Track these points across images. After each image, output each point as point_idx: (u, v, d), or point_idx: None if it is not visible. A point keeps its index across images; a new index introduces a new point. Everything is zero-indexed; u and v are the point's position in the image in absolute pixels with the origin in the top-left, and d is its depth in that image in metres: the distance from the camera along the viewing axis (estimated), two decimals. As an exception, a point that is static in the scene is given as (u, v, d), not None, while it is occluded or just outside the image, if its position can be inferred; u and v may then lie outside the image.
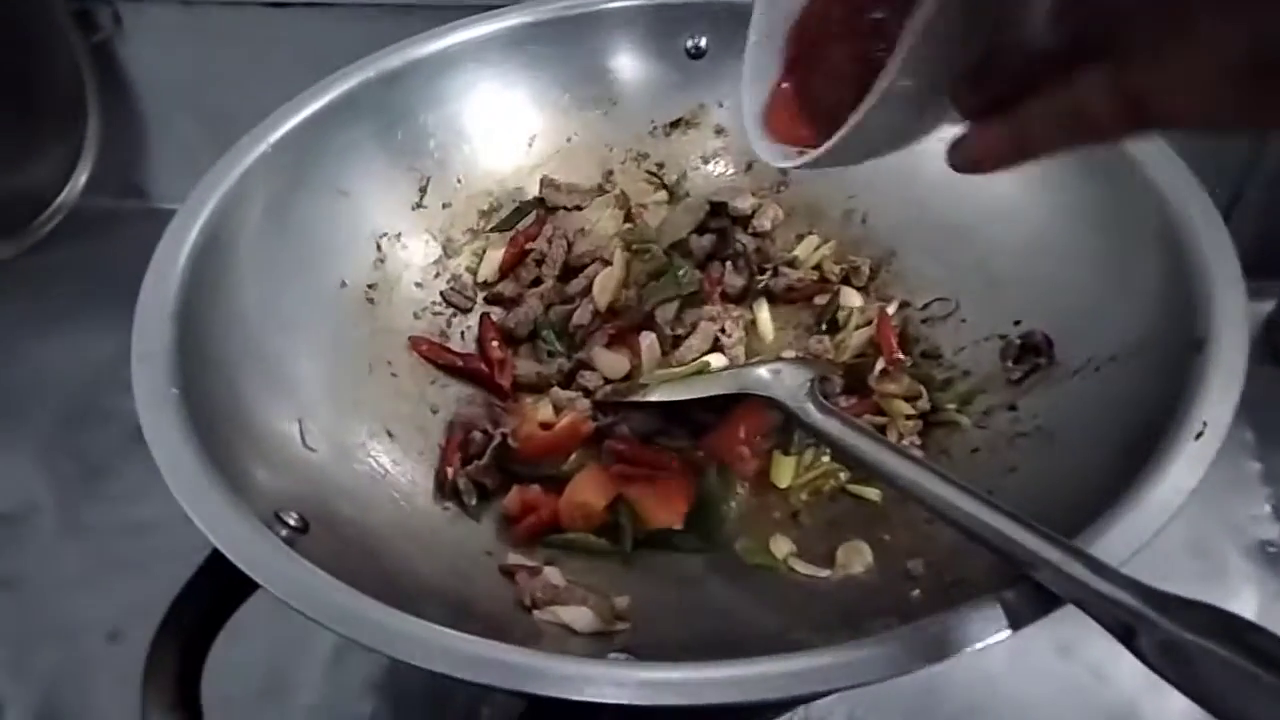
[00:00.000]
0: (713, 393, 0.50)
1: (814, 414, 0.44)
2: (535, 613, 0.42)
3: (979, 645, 0.31)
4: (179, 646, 0.32)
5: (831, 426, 0.43)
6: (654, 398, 0.52)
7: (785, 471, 0.50)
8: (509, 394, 0.56)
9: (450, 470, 0.49)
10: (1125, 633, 0.30)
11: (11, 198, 0.92)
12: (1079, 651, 0.60)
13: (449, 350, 0.57)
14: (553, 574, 0.43)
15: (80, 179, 0.93)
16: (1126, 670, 0.59)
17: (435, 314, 0.59)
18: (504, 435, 0.50)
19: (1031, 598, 0.32)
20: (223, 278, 0.47)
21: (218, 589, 0.34)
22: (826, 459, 0.51)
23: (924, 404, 0.52)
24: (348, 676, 0.61)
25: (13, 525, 0.69)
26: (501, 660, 0.31)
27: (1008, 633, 0.32)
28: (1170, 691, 0.59)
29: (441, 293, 0.60)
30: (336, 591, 0.33)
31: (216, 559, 0.34)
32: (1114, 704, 0.58)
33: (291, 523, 0.38)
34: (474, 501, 0.49)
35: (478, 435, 0.51)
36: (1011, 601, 0.32)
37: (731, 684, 0.29)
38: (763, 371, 0.49)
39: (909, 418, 0.51)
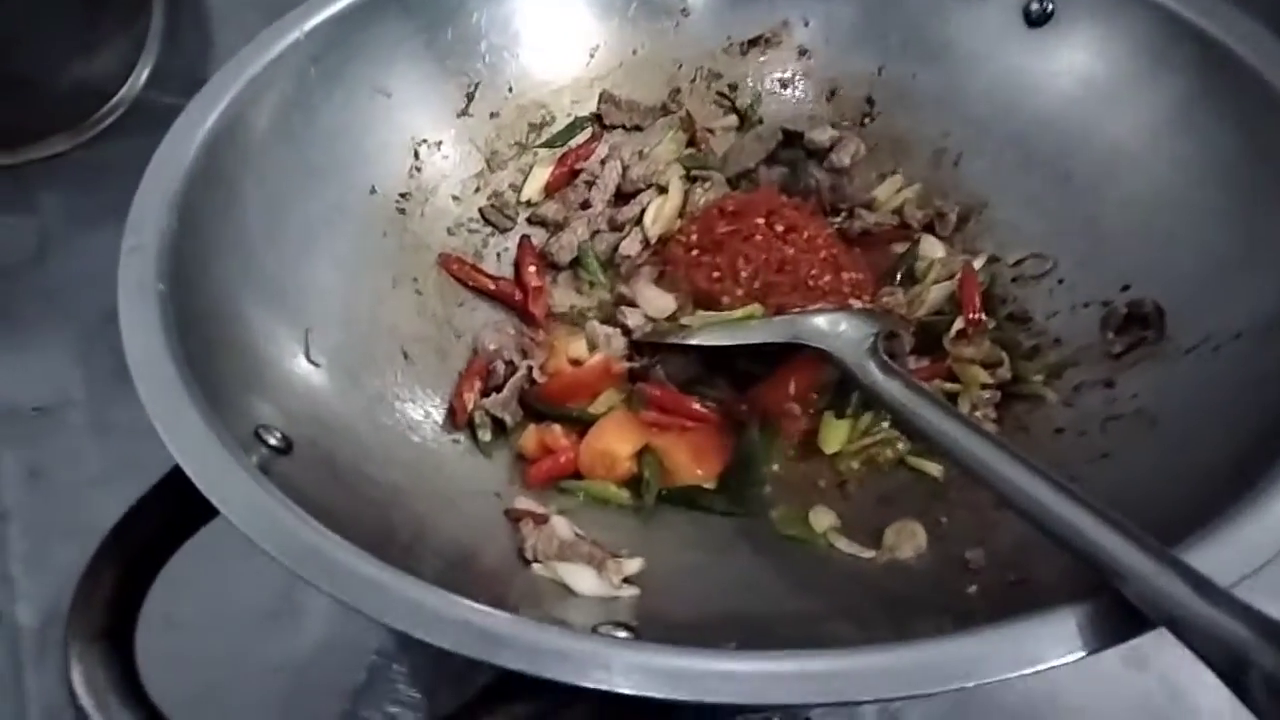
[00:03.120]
0: (763, 340, 0.45)
1: (874, 373, 0.39)
2: (534, 566, 0.38)
3: (1043, 666, 0.25)
4: (119, 570, 0.28)
5: (893, 389, 0.38)
6: (697, 340, 0.46)
7: (836, 436, 0.45)
8: (540, 323, 0.51)
9: (467, 398, 0.45)
10: (1230, 667, 0.25)
11: (73, 90, 0.90)
12: (1154, 663, 0.54)
13: (481, 272, 0.53)
14: (560, 525, 0.39)
15: (142, 74, 0.90)
16: (1207, 691, 0.53)
17: (471, 231, 0.54)
18: (530, 368, 0.45)
19: (1113, 614, 0.27)
20: (236, 171, 0.44)
21: (172, 510, 0.31)
22: (885, 426, 0.45)
23: (1004, 373, 0.45)
24: (358, 609, 0.58)
25: (46, 417, 0.69)
26: (467, 621, 0.27)
27: (1080, 655, 0.26)
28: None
29: (480, 209, 0.55)
30: (302, 527, 0.29)
31: (176, 475, 0.30)
32: (1188, 723, 0.52)
33: (272, 441, 0.34)
34: (488, 437, 0.45)
35: (501, 365, 0.47)
36: (1088, 617, 0.27)
37: (742, 679, 0.24)
38: (821, 321, 0.43)
39: (985, 387, 0.45)
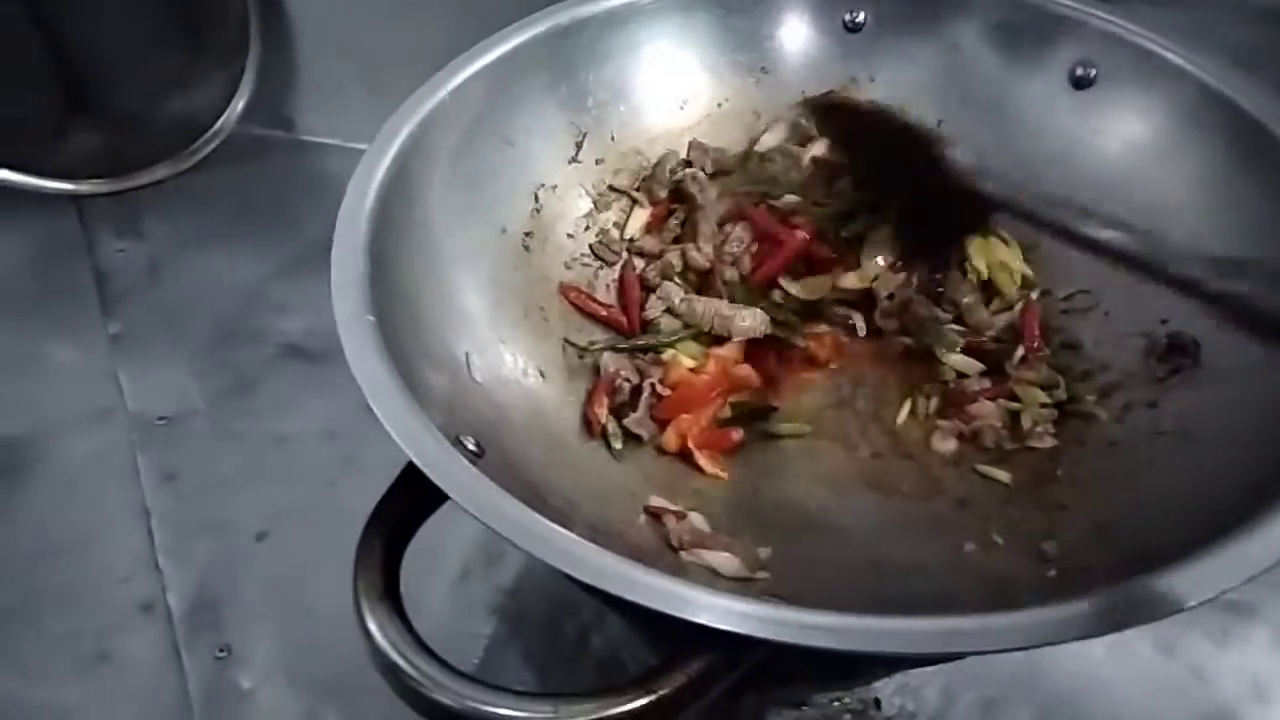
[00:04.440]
0: None
1: None
2: (682, 554, 0.44)
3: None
4: (382, 545, 0.35)
5: None
6: None
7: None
8: (638, 329, 0.59)
9: (599, 412, 0.52)
10: None
11: (174, 121, 0.98)
12: (1181, 650, 0.61)
13: (594, 300, 0.60)
14: (697, 519, 0.46)
15: (237, 107, 0.98)
16: (1230, 673, 0.59)
17: (584, 265, 0.61)
18: (653, 385, 0.52)
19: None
20: (407, 216, 0.50)
21: (412, 499, 0.37)
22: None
23: (1060, 394, 0.52)
24: (471, 598, 0.65)
25: (172, 427, 0.76)
26: (662, 586, 0.34)
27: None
28: (1275, 699, 0.60)
29: (590, 245, 0.62)
30: (521, 511, 0.36)
31: (410, 473, 0.37)
32: (1213, 707, 0.58)
33: (470, 446, 0.41)
34: (620, 446, 0.52)
35: (624, 384, 0.54)
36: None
37: (894, 634, 0.31)
38: None
39: (1044, 406, 0.52)
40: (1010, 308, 0.57)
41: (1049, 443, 0.51)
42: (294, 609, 0.65)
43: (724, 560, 0.43)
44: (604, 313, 0.60)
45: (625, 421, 0.53)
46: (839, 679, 0.57)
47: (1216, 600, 0.62)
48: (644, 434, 0.53)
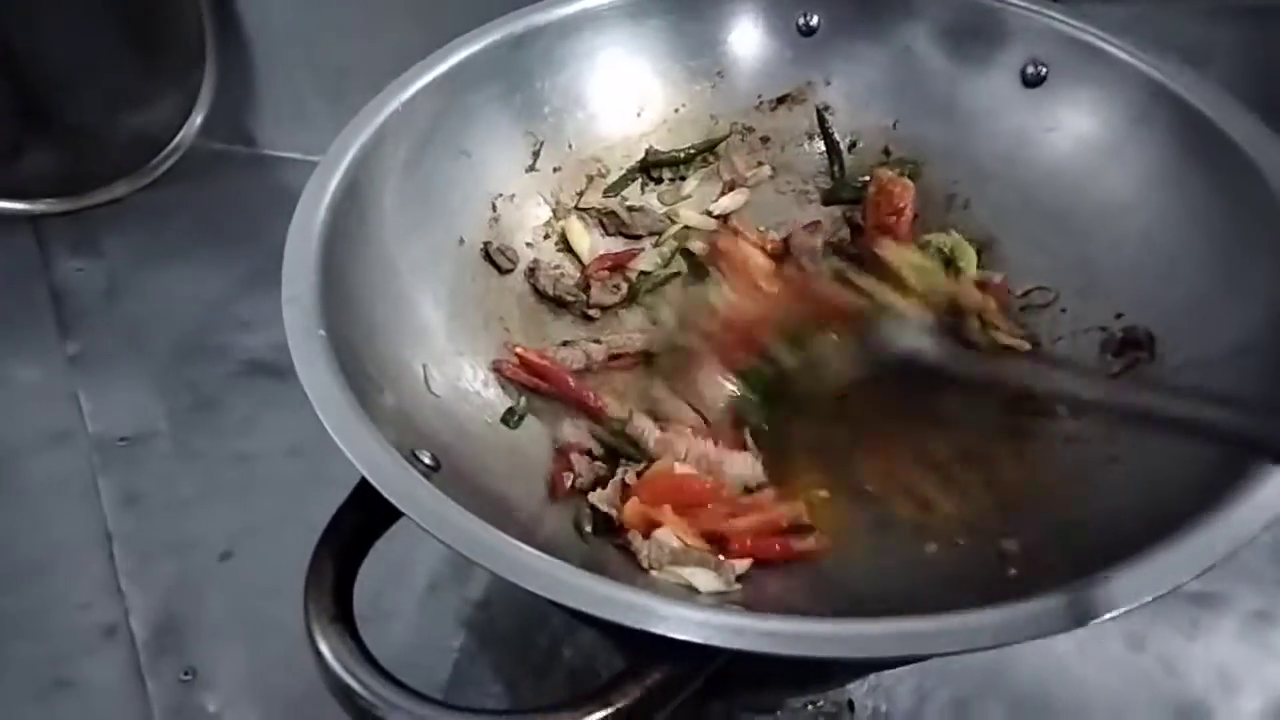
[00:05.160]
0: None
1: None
2: (654, 573, 0.43)
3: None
4: (334, 565, 0.35)
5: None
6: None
7: None
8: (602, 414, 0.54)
9: (565, 480, 0.49)
10: None
11: (131, 138, 0.97)
12: (1151, 643, 0.61)
13: (548, 367, 0.54)
14: (666, 535, 0.44)
15: (195, 122, 0.97)
16: (1198, 666, 0.60)
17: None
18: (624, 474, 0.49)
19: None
20: (359, 229, 0.50)
21: (365, 516, 0.37)
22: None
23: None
24: (440, 611, 0.65)
25: (133, 446, 0.75)
26: (622, 598, 0.34)
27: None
28: (1241, 690, 0.61)
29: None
30: (476, 526, 0.35)
31: (364, 489, 0.37)
32: (1183, 699, 0.59)
33: (426, 461, 0.41)
34: (589, 528, 0.48)
35: (584, 458, 0.50)
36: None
37: (850, 639, 0.31)
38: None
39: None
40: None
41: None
42: (260, 628, 0.64)
43: (699, 575, 0.42)
44: (568, 389, 0.53)
45: (593, 498, 0.48)
46: (812, 683, 0.57)
47: (1184, 593, 0.63)
48: (614, 513, 0.47)
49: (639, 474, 0.49)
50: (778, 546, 0.46)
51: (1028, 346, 0.54)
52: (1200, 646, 0.61)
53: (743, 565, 0.44)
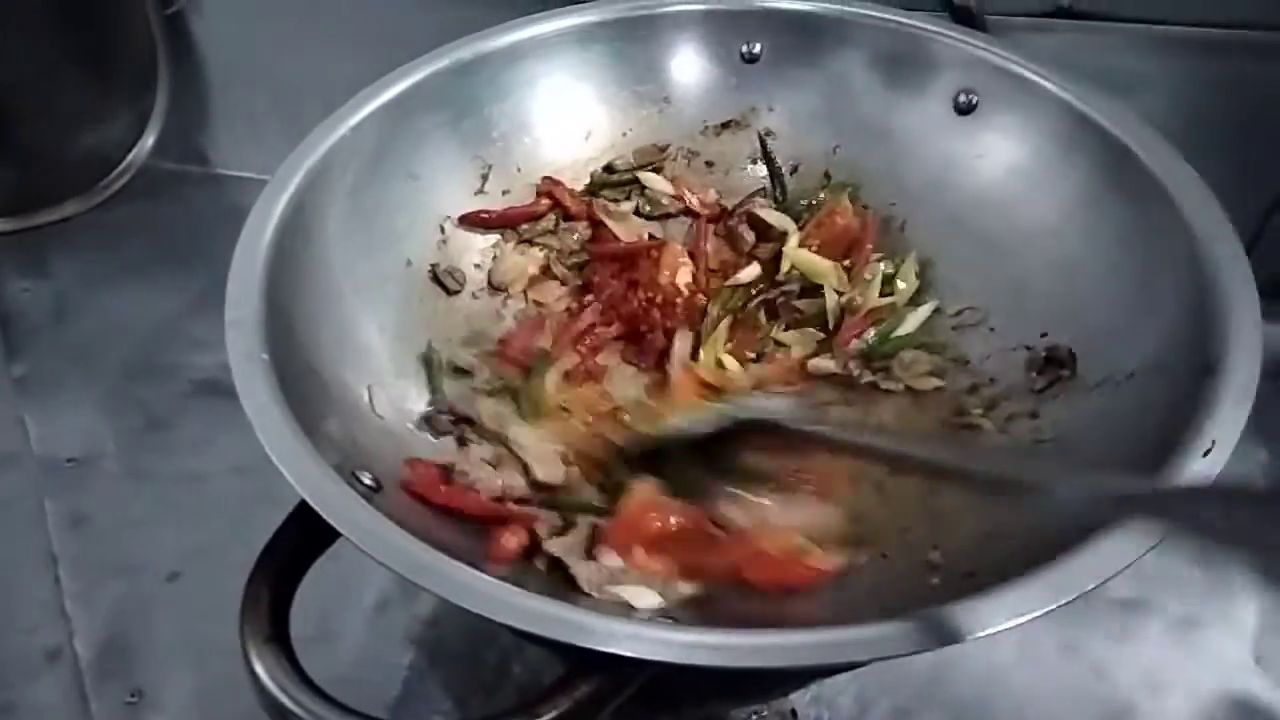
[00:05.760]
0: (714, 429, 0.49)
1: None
2: (594, 595, 0.44)
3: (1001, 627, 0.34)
4: (270, 586, 0.35)
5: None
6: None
7: None
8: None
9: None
10: None
11: (83, 156, 0.96)
12: (1082, 650, 0.63)
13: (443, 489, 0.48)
14: (609, 555, 0.45)
15: (148, 142, 0.97)
16: (1128, 670, 0.62)
17: (490, 295, 0.62)
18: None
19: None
20: (304, 252, 0.51)
21: (304, 536, 0.38)
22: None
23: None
24: (389, 629, 0.65)
25: (81, 468, 0.74)
26: (557, 615, 0.35)
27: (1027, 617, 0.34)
28: (1168, 692, 0.63)
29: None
30: (414, 546, 0.36)
31: (303, 509, 0.38)
32: (1112, 702, 0.61)
33: (367, 481, 0.41)
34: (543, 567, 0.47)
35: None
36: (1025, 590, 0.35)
37: (773, 650, 0.32)
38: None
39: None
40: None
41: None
42: (207, 650, 0.64)
43: (640, 593, 0.43)
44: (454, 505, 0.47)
45: (553, 547, 0.46)
46: (754, 694, 0.59)
47: (1114, 599, 0.65)
48: (572, 565, 0.45)
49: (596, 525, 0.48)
50: (789, 573, 0.45)
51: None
52: (1129, 651, 0.63)
53: (689, 588, 0.45)
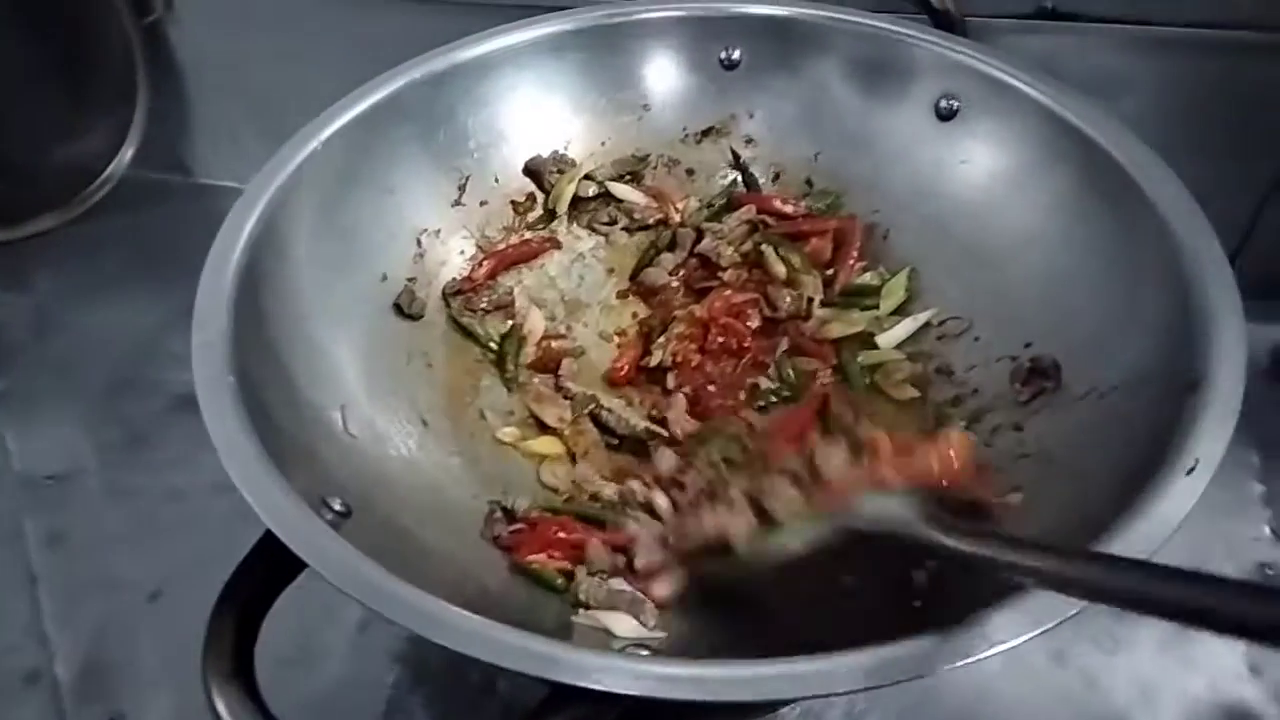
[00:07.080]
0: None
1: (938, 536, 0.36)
2: (575, 618, 0.44)
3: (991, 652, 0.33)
4: (234, 621, 0.35)
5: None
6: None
7: None
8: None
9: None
10: None
11: (62, 168, 0.95)
12: (1072, 659, 0.62)
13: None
14: (617, 583, 0.45)
15: (127, 153, 0.96)
16: (1119, 680, 0.61)
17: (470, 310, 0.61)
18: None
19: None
20: (275, 269, 0.50)
21: (270, 567, 0.37)
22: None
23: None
24: (373, 648, 0.64)
25: (61, 485, 0.73)
26: (526, 648, 0.34)
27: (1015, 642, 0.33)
28: (1160, 701, 0.62)
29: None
30: (381, 577, 0.35)
31: (269, 539, 0.37)
32: (1105, 713, 0.60)
33: (337, 507, 0.41)
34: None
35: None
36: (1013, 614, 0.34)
37: (745, 682, 0.32)
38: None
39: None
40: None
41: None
42: (189, 670, 0.61)
43: (620, 620, 0.43)
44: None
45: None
46: (742, 713, 0.58)
47: (1104, 609, 0.64)
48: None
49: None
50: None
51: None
52: (1120, 660, 0.63)
53: (663, 590, 0.45)
